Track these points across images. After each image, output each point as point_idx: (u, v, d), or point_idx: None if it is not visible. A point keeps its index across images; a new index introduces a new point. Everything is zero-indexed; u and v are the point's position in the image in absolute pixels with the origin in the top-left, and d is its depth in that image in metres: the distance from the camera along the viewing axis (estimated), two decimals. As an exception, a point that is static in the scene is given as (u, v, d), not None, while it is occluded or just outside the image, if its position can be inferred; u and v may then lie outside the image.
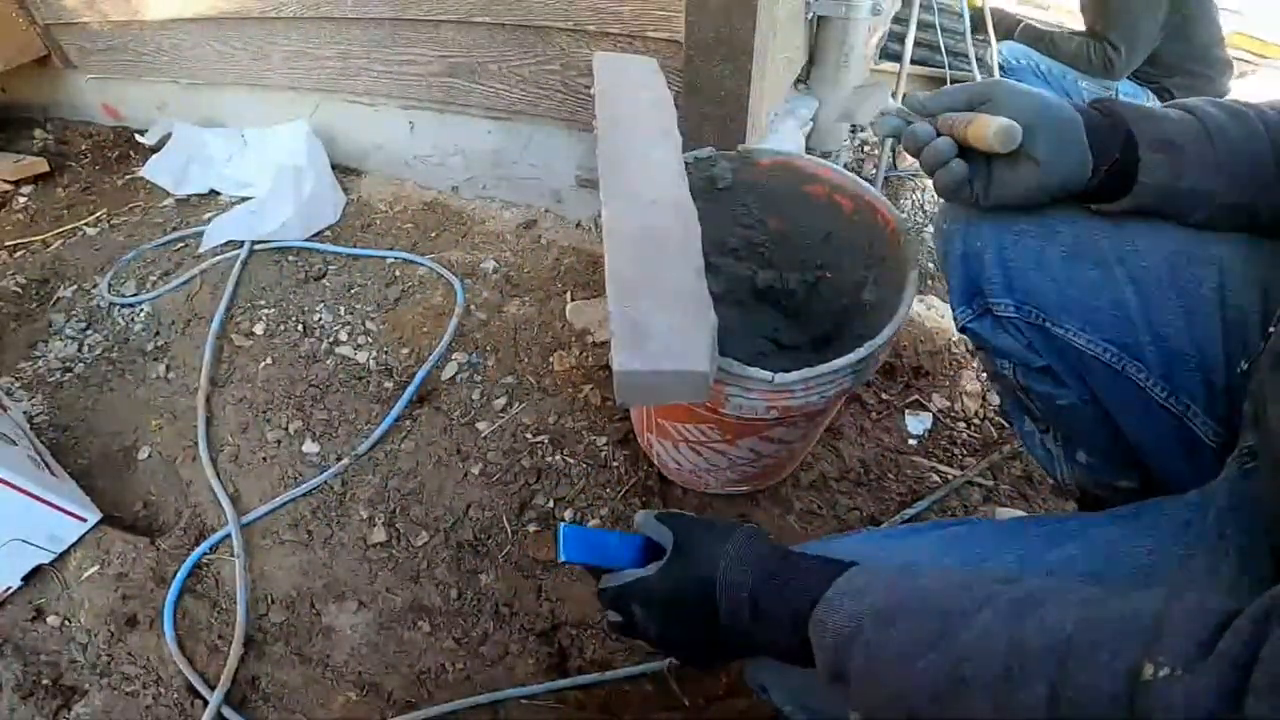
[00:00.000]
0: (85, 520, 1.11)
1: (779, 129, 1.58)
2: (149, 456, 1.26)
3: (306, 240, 1.65)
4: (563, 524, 0.62)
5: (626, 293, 0.64)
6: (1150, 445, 0.68)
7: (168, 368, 1.41)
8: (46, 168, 1.98)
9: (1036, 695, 0.35)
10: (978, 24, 2.00)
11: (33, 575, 1.07)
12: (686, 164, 0.99)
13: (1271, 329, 0.53)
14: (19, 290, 1.59)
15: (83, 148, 2.11)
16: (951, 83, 2.40)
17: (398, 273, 1.57)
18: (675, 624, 0.57)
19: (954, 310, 0.75)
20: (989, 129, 0.58)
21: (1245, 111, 0.58)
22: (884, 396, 1.29)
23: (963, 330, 0.75)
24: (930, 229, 2.01)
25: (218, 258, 1.60)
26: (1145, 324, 0.62)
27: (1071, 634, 0.36)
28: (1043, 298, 0.66)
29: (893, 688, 0.42)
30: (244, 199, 1.78)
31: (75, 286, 1.60)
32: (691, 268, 0.68)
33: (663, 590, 0.57)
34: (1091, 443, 0.75)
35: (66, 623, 1.04)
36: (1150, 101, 2.08)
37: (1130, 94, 2.08)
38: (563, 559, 0.60)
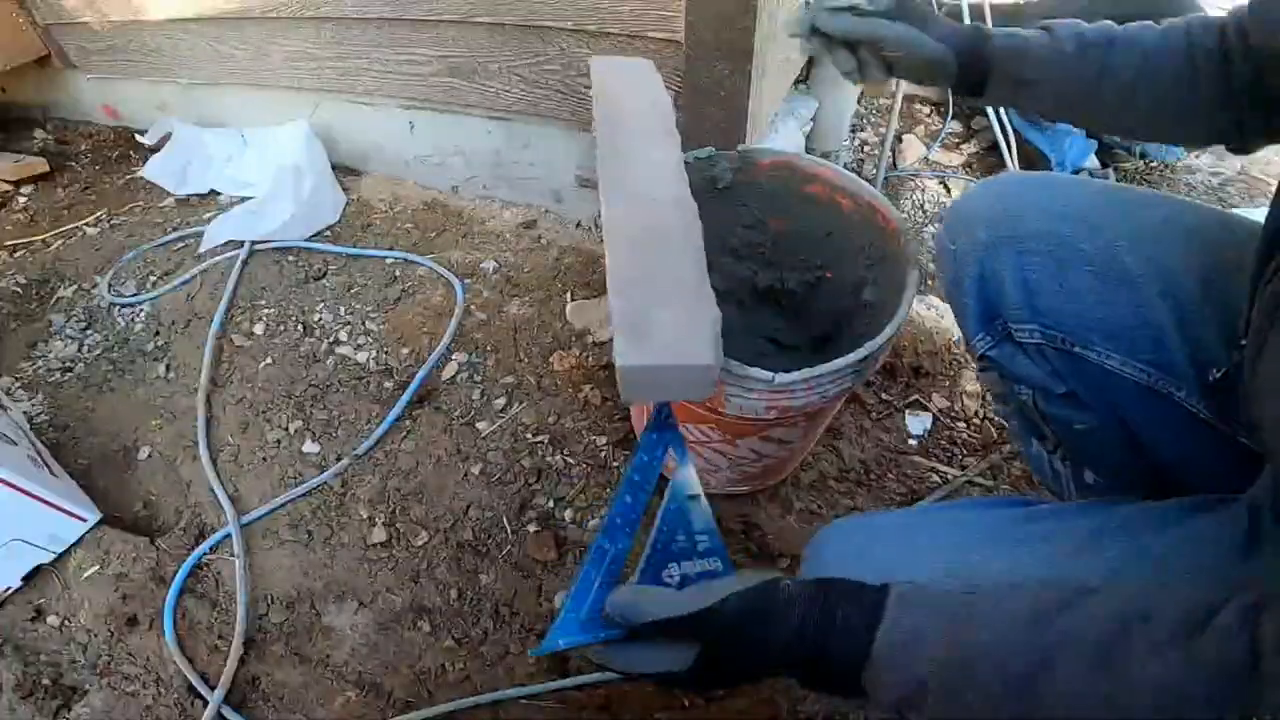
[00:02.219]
0: (85, 520, 1.11)
1: (779, 129, 1.58)
2: (149, 456, 1.26)
3: (306, 240, 1.65)
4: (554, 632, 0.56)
5: (628, 289, 0.63)
6: (1192, 462, 0.65)
7: (168, 368, 1.41)
8: (46, 168, 1.98)
9: None
10: None
11: (33, 575, 1.07)
12: (686, 164, 0.99)
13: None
14: (19, 290, 1.59)
15: (83, 148, 2.11)
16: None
17: (398, 273, 1.57)
18: (713, 684, 0.54)
19: (970, 337, 0.72)
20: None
21: (1105, 42, 0.65)
22: (884, 396, 1.29)
23: (980, 358, 0.72)
24: (931, 229, 2.01)
25: (218, 258, 1.60)
26: (1181, 341, 0.60)
27: (1169, 685, 0.34)
28: (1069, 321, 0.64)
29: None
30: (244, 199, 1.78)
31: (75, 286, 1.60)
32: (693, 263, 0.67)
33: (702, 682, 0.52)
34: (1103, 464, 0.73)
35: (66, 623, 1.04)
36: None
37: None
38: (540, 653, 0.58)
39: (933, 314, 1.42)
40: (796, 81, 1.74)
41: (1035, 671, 0.39)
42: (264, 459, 1.23)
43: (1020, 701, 0.39)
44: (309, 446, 1.25)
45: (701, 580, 0.58)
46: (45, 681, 0.98)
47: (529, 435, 1.23)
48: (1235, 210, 1.80)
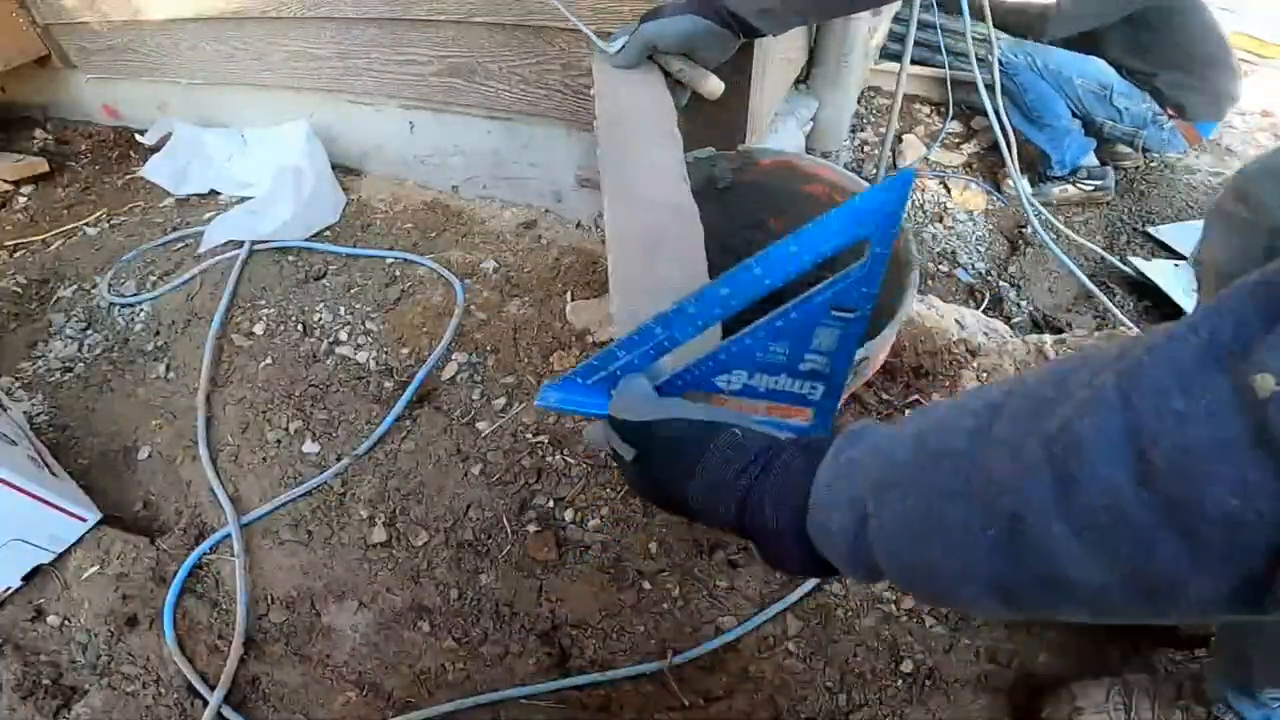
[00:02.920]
0: (85, 520, 1.11)
1: (779, 129, 1.58)
2: (149, 456, 1.26)
3: (306, 240, 1.65)
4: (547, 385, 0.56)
5: (630, 294, 0.63)
6: None
7: (168, 368, 1.41)
8: (46, 168, 1.98)
9: (1113, 480, 0.28)
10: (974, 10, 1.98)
11: (33, 575, 1.07)
12: (686, 164, 0.99)
13: None
14: (19, 290, 1.59)
15: (83, 148, 2.11)
16: (951, 83, 2.40)
17: (398, 273, 1.57)
18: (646, 495, 0.53)
19: None
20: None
21: None
22: (884, 396, 1.29)
23: None
24: (931, 229, 2.01)
25: (218, 258, 1.60)
26: None
27: (1131, 382, 0.29)
28: None
29: (939, 568, 0.35)
30: (244, 199, 1.78)
31: (75, 286, 1.60)
32: (695, 269, 0.68)
33: (636, 484, 0.53)
34: None
35: (66, 623, 1.04)
36: (1146, 103, 2.08)
37: (1125, 93, 2.08)
38: (541, 404, 0.56)
39: (933, 314, 1.42)
40: (796, 81, 1.74)
41: (981, 426, 0.34)
42: (264, 459, 1.23)
43: (962, 473, 0.34)
44: (309, 446, 1.25)
45: (785, 398, 0.55)
46: (45, 681, 0.98)
47: (529, 435, 1.23)
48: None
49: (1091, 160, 2.22)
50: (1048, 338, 1.39)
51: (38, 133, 2.14)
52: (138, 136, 1.95)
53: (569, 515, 1.14)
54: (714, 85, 0.91)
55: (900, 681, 0.96)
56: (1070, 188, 2.20)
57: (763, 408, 0.57)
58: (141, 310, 1.53)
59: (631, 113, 0.86)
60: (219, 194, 1.85)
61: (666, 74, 0.92)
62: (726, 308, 0.50)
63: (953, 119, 2.45)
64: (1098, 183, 2.18)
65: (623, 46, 0.90)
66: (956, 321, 1.39)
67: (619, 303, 0.62)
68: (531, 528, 1.12)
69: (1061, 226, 2.02)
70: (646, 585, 1.06)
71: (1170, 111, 2.07)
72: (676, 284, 0.66)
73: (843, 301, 0.48)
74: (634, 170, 0.78)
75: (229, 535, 1.12)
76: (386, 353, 1.40)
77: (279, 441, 1.26)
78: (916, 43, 2.04)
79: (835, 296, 0.48)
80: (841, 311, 0.49)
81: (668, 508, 0.52)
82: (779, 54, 1.34)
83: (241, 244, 1.61)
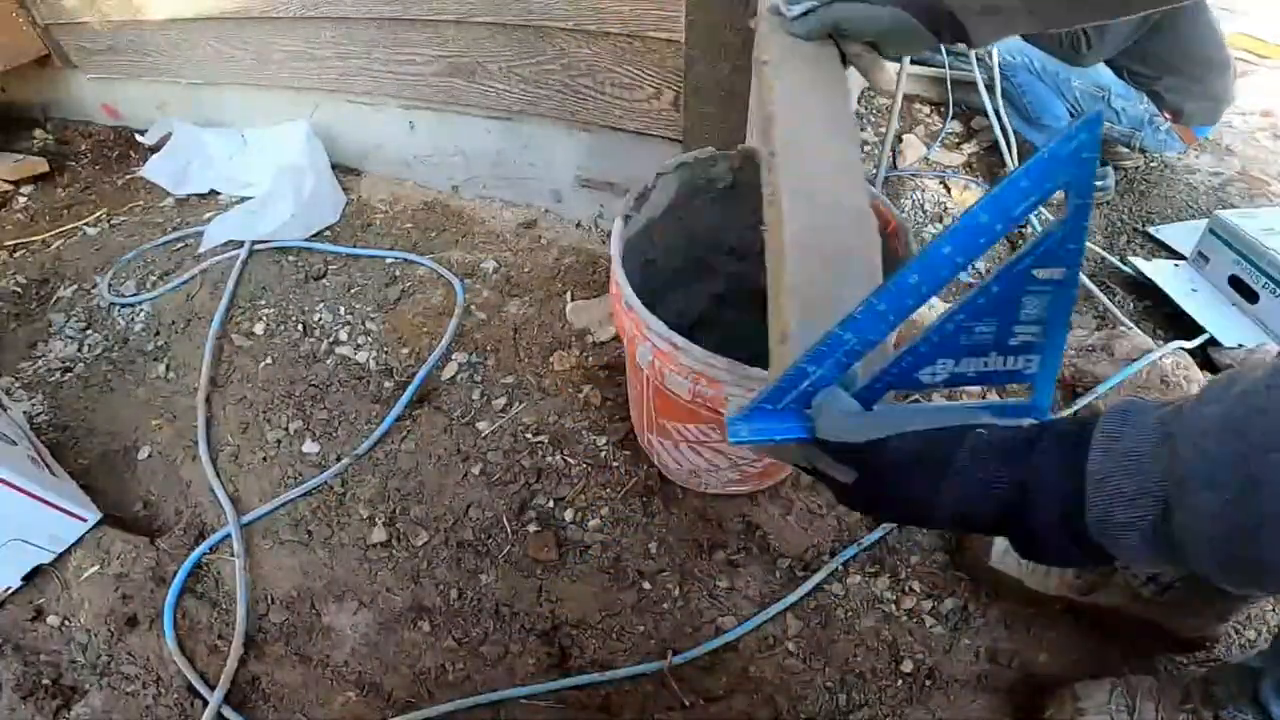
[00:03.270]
0: (85, 520, 1.11)
1: (779, 129, 1.58)
2: (149, 456, 1.26)
3: (306, 240, 1.65)
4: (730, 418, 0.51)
5: (811, 307, 0.56)
6: None
7: (168, 368, 1.41)
8: (46, 168, 1.98)
9: None
10: None
11: (33, 575, 1.07)
12: (686, 164, 0.99)
13: None
14: (19, 290, 1.59)
15: (83, 148, 2.11)
16: (951, 83, 2.40)
17: (398, 273, 1.57)
18: (877, 515, 0.51)
19: None
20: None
21: None
22: (884, 396, 1.29)
23: None
24: (931, 229, 2.01)
25: (218, 258, 1.60)
26: None
27: None
28: None
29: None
30: (244, 199, 1.78)
31: (75, 286, 1.60)
32: (876, 284, 0.59)
33: (865, 506, 0.50)
34: None
35: (66, 623, 1.04)
36: (1144, 104, 2.08)
37: (1123, 94, 2.08)
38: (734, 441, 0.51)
39: (933, 314, 1.42)
40: (796, 81, 1.74)
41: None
42: (264, 459, 1.23)
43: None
44: (309, 446, 1.25)
45: (997, 379, 0.49)
46: (45, 681, 0.98)
47: (529, 435, 1.23)
48: (1234, 210, 1.80)
49: (1091, 160, 2.21)
50: (1048, 338, 1.39)
51: (38, 133, 2.14)
52: (138, 136, 1.95)
53: (569, 515, 1.14)
54: (889, 78, 0.80)
55: (900, 681, 0.96)
56: (1070, 188, 2.19)
57: (974, 393, 0.53)
58: (141, 310, 1.53)
59: (810, 95, 0.76)
60: (219, 194, 1.85)
61: (841, 53, 0.80)
62: (918, 297, 0.45)
63: (953, 119, 2.45)
64: (1097, 183, 2.18)
65: (804, 13, 0.78)
66: (956, 321, 1.39)
67: (798, 316, 0.55)
68: (531, 528, 1.12)
69: (1061, 226, 2.01)
70: (646, 585, 1.06)
71: (1167, 115, 2.07)
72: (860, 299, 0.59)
73: (1048, 264, 0.44)
74: (815, 166, 0.69)
75: (229, 535, 1.12)
76: (386, 353, 1.40)
77: (279, 441, 1.26)
78: (916, 43, 2.03)
79: (1039, 260, 0.44)
80: (1048, 274, 0.45)
81: (903, 520, 0.50)
82: (779, 54, 1.34)
83: (241, 244, 1.61)
